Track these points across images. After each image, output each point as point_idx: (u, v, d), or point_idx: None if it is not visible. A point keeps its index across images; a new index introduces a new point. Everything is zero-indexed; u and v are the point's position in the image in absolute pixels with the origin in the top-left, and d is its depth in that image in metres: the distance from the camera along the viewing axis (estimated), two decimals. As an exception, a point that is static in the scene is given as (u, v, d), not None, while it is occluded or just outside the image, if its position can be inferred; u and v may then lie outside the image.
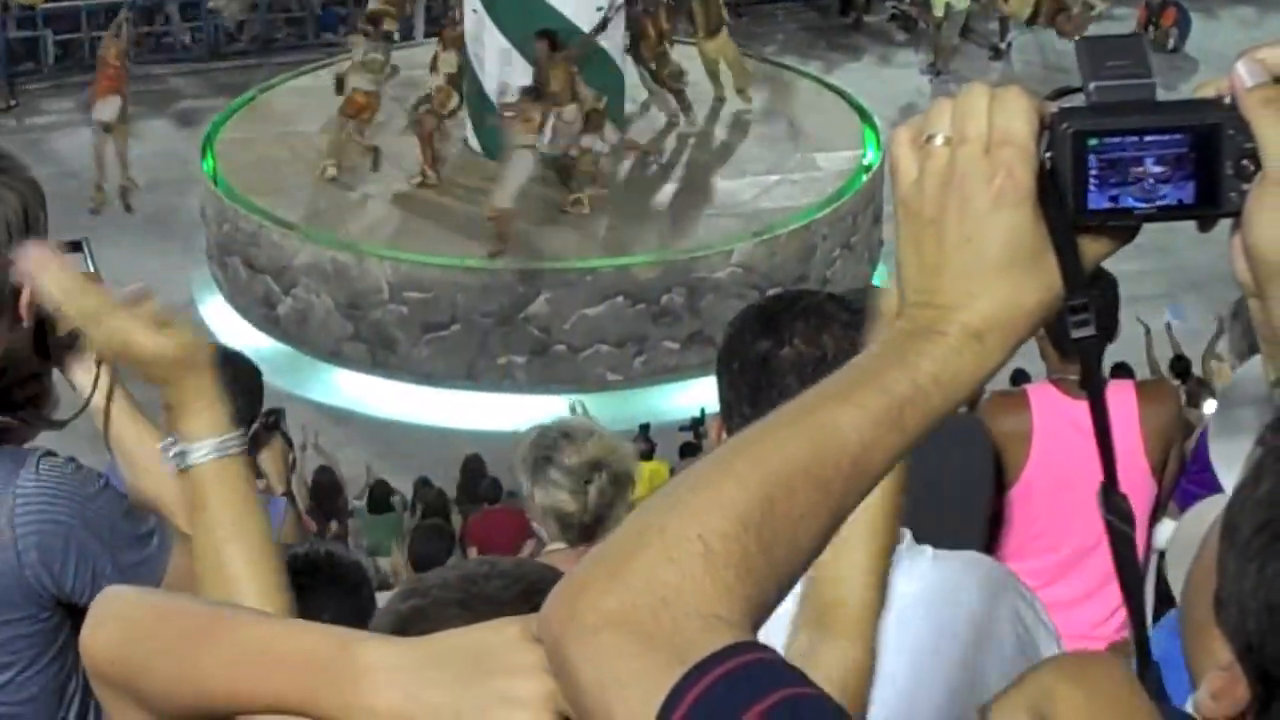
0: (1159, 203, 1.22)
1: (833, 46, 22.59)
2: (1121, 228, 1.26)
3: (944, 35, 21.45)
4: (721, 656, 1.14)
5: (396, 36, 16.97)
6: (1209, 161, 1.21)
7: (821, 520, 1.22)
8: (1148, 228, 1.27)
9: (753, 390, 2.39)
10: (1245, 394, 2.52)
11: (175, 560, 2.49)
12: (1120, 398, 4.77)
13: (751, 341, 2.43)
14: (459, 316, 14.81)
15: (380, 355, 15.16)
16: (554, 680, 1.25)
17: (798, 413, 1.24)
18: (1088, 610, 4.81)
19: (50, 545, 2.40)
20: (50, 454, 2.46)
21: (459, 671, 1.38)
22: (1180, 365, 12.65)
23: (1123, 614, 4.68)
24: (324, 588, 3.42)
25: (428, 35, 17.44)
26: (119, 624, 1.57)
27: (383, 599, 3.37)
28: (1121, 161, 1.21)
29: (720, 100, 17.32)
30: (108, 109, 17.12)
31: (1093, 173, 1.22)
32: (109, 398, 2.52)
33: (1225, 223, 1.25)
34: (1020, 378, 7.80)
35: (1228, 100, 1.21)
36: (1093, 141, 1.21)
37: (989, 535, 4.78)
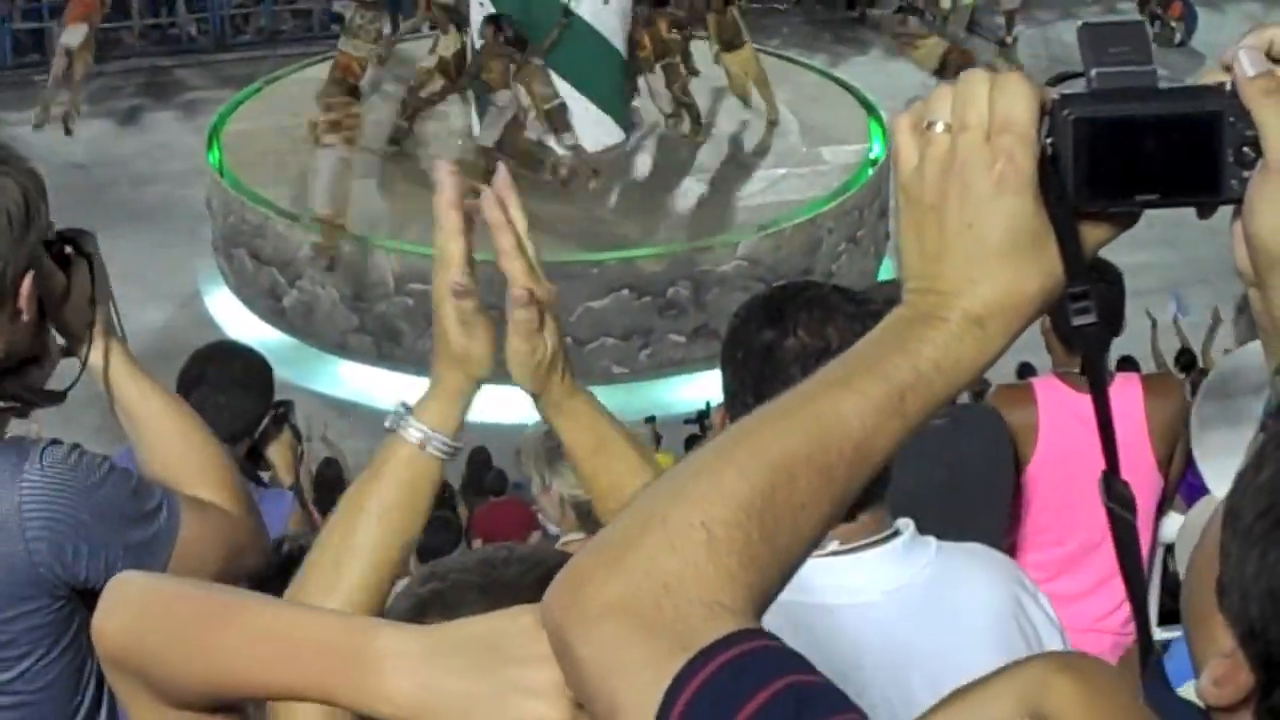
0: (1158, 190, 1.23)
1: (839, 40, 22.57)
2: (1122, 214, 1.26)
3: (950, 29, 21.43)
4: (725, 644, 1.14)
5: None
6: (1210, 148, 1.21)
7: (823, 507, 1.22)
8: (1154, 220, 1.27)
9: (757, 380, 2.40)
10: (1225, 387, 2.52)
11: (185, 532, 2.50)
12: (1126, 392, 4.77)
13: (756, 332, 2.43)
14: (464, 309, 14.77)
15: (385, 347, 15.16)
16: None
17: (799, 400, 1.24)
18: (1093, 604, 4.81)
19: (59, 538, 2.41)
20: (55, 443, 2.47)
21: (475, 659, 1.39)
22: (1185, 358, 12.63)
23: (1123, 608, 4.69)
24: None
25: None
26: (131, 610, 1.57)
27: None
28: (1121, 150, 1.22)
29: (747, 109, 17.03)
30: (76, 35, 17.02)
31: (1093, 161, 1.22)
32: (106, 359, 2.53)
33: (1226, 213, 1.25)
34: (1026, 371, 7.80)
35: (1229, 87, 1.22)
36: (1093, 129, 1.22)
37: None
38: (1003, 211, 1.23)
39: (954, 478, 4.12)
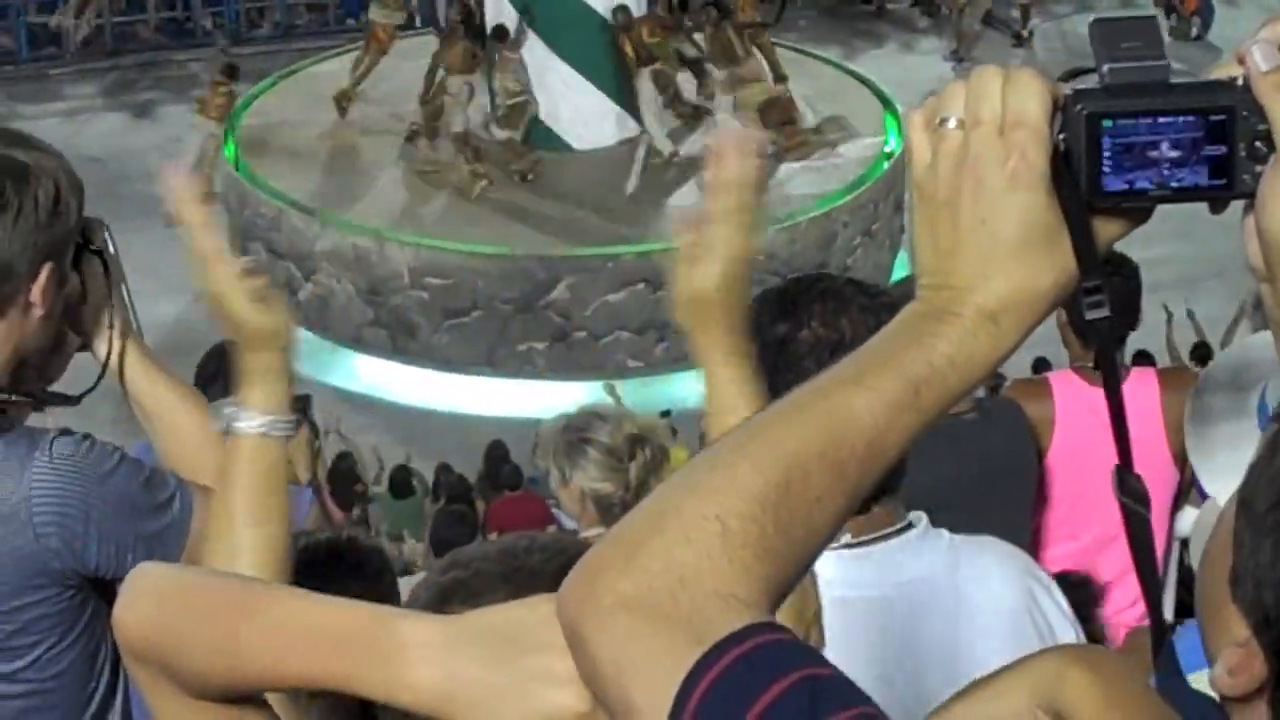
0: (1173, 184, 1.23)
1: (855, 33, 22.55)
2: (1136, 209, 1.26)
3: (966, 22, 21.40)
4: (740, 637, 1.15)
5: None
6: (1223, 143, 1.22)
7: (838, 502, 1.23)
8: (1169, 215, 1.28)
9: (770, 373, 2.39)
10: (1218, 382, 2.52)
11: (200, 524, 2.51)
12: (1142, 386, 4.77)
13: (770, 324, 2.43)
14: (479, 303, 14.82)
15: (401, 341, 15.17)
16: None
17: (813, 396, 1.24)
18: (1109, 598, 4.81)
19: (70, 527, 2.41)
20: (66, 432, 2.48)
21: (497, 648, 1.39)
22: (1201, 352, 12.61)
23: (1139, 603, 4.69)
24: (346, 575, 3.43)
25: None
26: (152, 601, 1.57)
27: (404, 585, 3.39)
28: (1135, 143, 1.22)
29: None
30: None
31: (1106, 154, 1.22)
32: (122, 352, 2.55)
33: (1239, 207, 1.25)
34: (1041, 365, 7.80)
35: (1241, 82, 1.22)
36: (1107, 123, 1.22)
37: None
38: (1016, 206, 1.23)
39: (984, 471, 4.12)
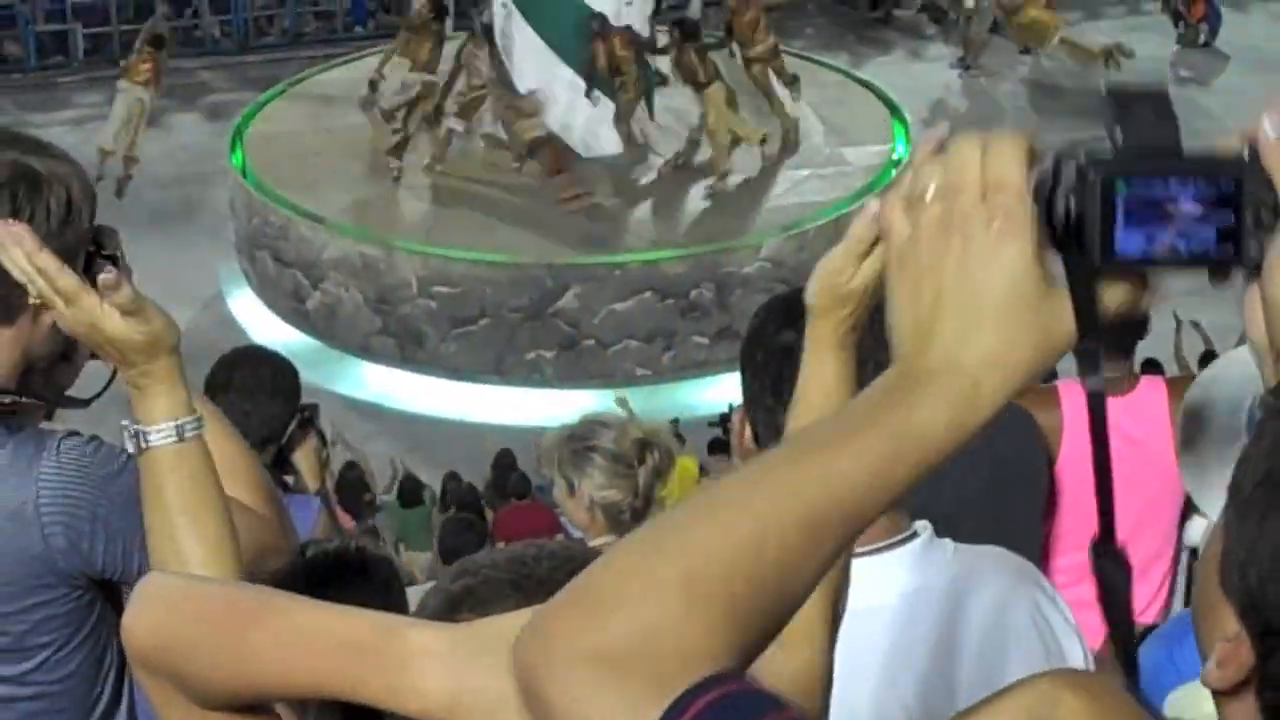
0: (1182, 249, 1.23)
1: (862, 40, 22.56)
2: (1141, 276, 1.27)
3: (974, 29, 21.39)
4: (703, 688, 1.14)
5: None
6: (1231, 212, 1.22)
7: (812, 565, 1.21)
8: None
9: (775, 381, 2.39)
10: (1211, 403, 2.51)
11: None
12: (1151, 395, 4.76)
13: (775, 333, 2.43)
14: (487, 311, 14.83)
15: (409, 350, 15.18)
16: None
17: (789, 459, 1.23)
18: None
19: (76, 527, 2.42)
20: (73, 434, 2.48)
21: (505, 657, 1.39)
22: (1209, 361, 12.58)
23: (1149, 612, 4.69)
24: (354, 584, 3.44)
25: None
26: (162, 608, 1.58)
27: (410, 595, 3.39)
28: (1148, 207, 1.22)
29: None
30: None
31: (1119, 220, 1.22)
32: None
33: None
34: (1050, 373, 7.78)
35: (1248, 152, 1.23)
36: (1121, 187, 1.22)
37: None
38: (1005, 260, 1.23)
39: (994, 479, 4.12)
